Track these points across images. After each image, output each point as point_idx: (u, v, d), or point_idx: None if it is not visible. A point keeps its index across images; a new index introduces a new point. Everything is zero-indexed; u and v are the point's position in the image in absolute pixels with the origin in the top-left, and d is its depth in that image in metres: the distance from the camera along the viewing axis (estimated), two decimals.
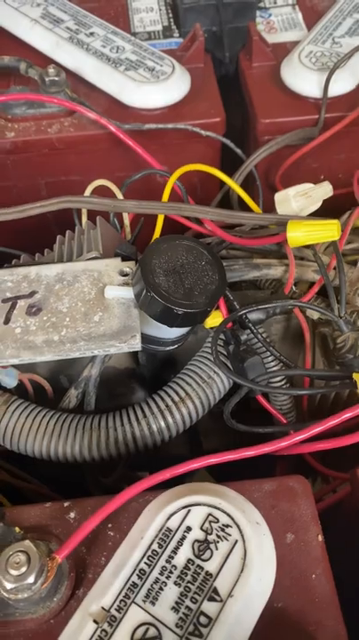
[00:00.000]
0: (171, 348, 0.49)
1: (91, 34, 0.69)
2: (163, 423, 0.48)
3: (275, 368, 0.50)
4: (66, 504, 0.40)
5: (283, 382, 0.50)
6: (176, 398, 0.49)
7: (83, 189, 0.60)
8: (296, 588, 0.36)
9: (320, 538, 0.37)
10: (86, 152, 0.67)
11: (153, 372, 0.58)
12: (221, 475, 0.45)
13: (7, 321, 0.42)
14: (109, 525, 0.38)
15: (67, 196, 0.52)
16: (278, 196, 0.54)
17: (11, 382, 0.48)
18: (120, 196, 0.56)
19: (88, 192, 0.58)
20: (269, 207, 0.63)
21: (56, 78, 0.63)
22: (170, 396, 0.49)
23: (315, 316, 0.50)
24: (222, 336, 0.48)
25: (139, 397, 0.61)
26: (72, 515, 0.40)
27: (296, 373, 0.48)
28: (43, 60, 0.69)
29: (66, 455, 0.48)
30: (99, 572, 0.36)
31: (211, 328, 0.50)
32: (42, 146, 0.66)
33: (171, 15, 0.76)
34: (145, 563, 0.34)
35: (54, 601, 0.35)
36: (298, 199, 0.53)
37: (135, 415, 0.49)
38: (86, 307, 0.43)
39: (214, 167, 0.60)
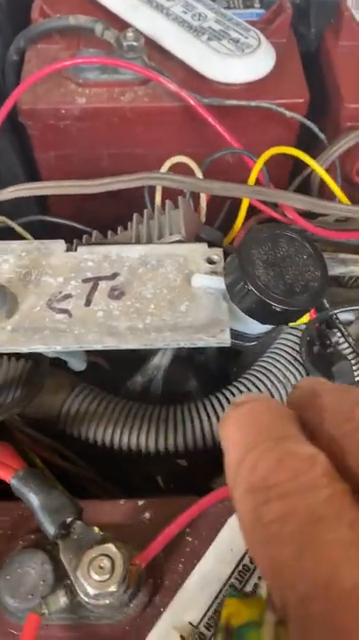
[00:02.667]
0: (251, 344, 0.46)
1: None
2: None
3: (358, 373, 0.47)
4: (140, 503, 0.38)
5: None
6: None
7: (146, 163, 0.57)
8: None
9: None
10: (158, 124, 0.63)
11: (218, 364, 0.56)
12: None
13: (88, 303, 0.40)
14: (187, 530, 0.36)
15: (149, 171, 0.49)
16: None
17: (79, 366, 0.46)
18: (200, 175, 0.53)
19: (165, 168, 0.54)
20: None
21: (134, 43, 0.59)
22: (242, 392, 0.47)
23: None
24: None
25: (193, 386, 0.58)
26: (147, 515, 0.37)
27: None
28: (117, 23, 0.65)
29: (130, 445, 0.46)
30: (176, 580, 0.34)
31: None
32: (112, 114, 0.62)
33: None
34: (236, 579, 0.31)
35: (131, 607, 0.33)
36: None
37: (205, 410, 0.46)
38: (172, 294, 0.40)
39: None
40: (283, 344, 0.49)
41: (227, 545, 0.33)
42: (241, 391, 0.47)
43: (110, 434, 0.46)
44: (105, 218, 0.57)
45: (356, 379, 0.45)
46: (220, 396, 0.47)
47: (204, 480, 0.56)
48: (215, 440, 0.46)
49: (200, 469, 0.60)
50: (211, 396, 0.48)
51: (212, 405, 0.47)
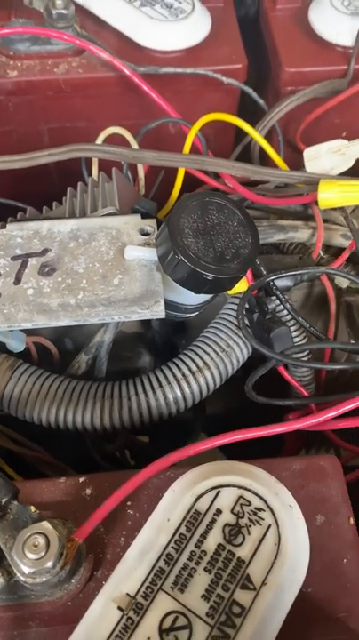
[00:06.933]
0: (191, 315, 0.46)
1: None
2: (179, 393, 0.45)
3: (298, 338, 0.47)
4: (81, 479, 0.38)
5: (307, 354, 0.47)
6: (193, 368, 0.46)
7: (88, 137, 0.55)
8: (326, 573, 0.34)
9: (352, 521, 0.35)
10: (95, 96, 0.62)
11: (164, 337, 0.55)
12: (224, 449, 0.42)
13: (18, 281, 0.39)
14: (128, 503, 0.36)
15: (78, 143, 0.48)
16: (308, 152, 0.50)
17: (18, 346, 0.45)
18: (135, 145, 0.52)
19: (100, 140, 0.53)
20: (289, 165, 0.59)
21: (64, 11, 0.57)
22: (187, 365, 0.46)
23: (344, 284, 0.47)
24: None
25: (145, 362, 0.58)
26: (88, 491, 0.37)
27: (332, 346, 0.45)
28: None
29: (75, 424, 0.45)
30: (119, 553, 0.34)
31: (233, 294, 0.47)
32: (47, 87, 0.60)
33: None
34: (172, 547, 0.32)
35: (72, 583, 0.33)
36: (330, 156, 0.49)
37: (150, 384, 0.46)
38: (104, 268, 0.40)
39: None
40: (226, 314, 0.48)
41: (164, 515, 0.33)
42: (185, 363, 0.47)
43: (54, 413, 0.45)
44: (47, 195, 0.56)
45: (297, 343, 0.45)
46: (165, 369, 0.47)
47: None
48: (162, 413, 0.46)
49: (161, 444, 0.60)
50: (156, 370, 0.48)
51: (157, 379, 0.47)
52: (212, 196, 0.38)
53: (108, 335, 0.47)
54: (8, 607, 0.33)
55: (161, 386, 0.46)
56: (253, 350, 0.46)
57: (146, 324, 0.54)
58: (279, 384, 0.50)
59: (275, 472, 0.37)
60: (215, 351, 0.47)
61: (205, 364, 0.46)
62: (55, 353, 0.50)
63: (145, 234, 0.42)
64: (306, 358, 0.48)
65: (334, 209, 0.49)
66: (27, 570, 0.30)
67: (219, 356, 0.46)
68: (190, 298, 0.42)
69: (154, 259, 0.40)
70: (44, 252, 0.40)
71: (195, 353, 0.47)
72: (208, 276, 0.37)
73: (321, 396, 0.47)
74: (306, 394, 0.47)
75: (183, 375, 0.46)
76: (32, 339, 0.48)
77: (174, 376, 0.46)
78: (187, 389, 0.45)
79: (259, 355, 0.47)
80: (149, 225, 0.42)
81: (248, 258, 0.37)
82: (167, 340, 0.56)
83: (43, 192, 0.58)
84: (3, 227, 0.42)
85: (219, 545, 0.32)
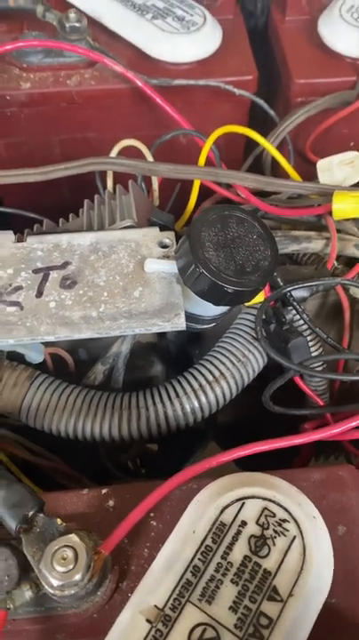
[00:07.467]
0: (209, 326, 0.46)
1: None
2: (196, 403, 0.46)
3: (314, 348, 0.47)
4: (104, 491, 0.38)
5: (322, 364, 0.48)
6: (210, 378, 0.46)
7: (100, 148, 0.56)
8: (350, 583, 0.34)
9: None
10: (107, 108, 0.62)
11: (179, 347, 0.56)
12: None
13: (40, 294, 0.39)
14: (151, 515, 0.36)
15: (95, 157, 0.48)
16: (321, 164, 0.50)
17: (37, 358, 0.45)
18: (150, 157, 0.52)
19: (114, 152, 0.53)
20: (299, 175, 0.60)
21: (77, 24, 0.58)
22: (204, 375, 0.47)
23: (358, 294, 0.48)
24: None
25: (158, 371, 0.58)
26: (111, 503, 0.37)
27: (349, 357, 0.45)
28: (59, 4, 0.64)
29: (94, 434, 0.46)
30: (143, 565, 0.35)
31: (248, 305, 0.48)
32: (59, 99, 0.61)
33: None
34: (199, 559, 0.32)
35: (98, 595, 0.33)
36: (342, 168, 0.50)
37: (168, 394, 0.46)
38: (125, 281, 0.40)
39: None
40: (241, 324, 0.49)
41: (190, 527, 0.33)
42: (201, 373, 0.47)
43: (72, 424, 0.46)
44: (59, 206, 0.56)
45: (313, 353, 0.46)
46: (181, 379, 0.47)
47: (176, 463, 0.56)
48: (179, 423, 0.47)
49: (171, 453, 0.60)
50: (173, 380, 0.48)
51: (174, 389, 0.47)
52: (232, 209, 0.39)
53: (126, 346, 0.48)
54: (35, 619, 0.33)
55: (178, 396, 0.46)
56: (267, 359, 0.46)
57: (161, 334, 0.54)
58: (293, 393, 0.51)
59: (296, 483, 0.37)
60: (231, 361, 0.47)
61: (221, 373, 0.47)
62: (71, 364, 0.50)
63: (164, 246, 0.42)
64: (320, 368, 0.48)
65: (347, 219, 0.50)
66: (55, 583, 0.30)
67: (236, 365, 0.47)
68: (209, 310, 0.43)
69: (174, 271, 0.40)
70: (65, 264, 0.41)
71: (211, 363, 0.47)
72: (229, 289, 0.37)
73: (336, 406, 0.48)
74: (321, 403, 0.48)
75: (200, 385, 0.46)
76: (49, 349, 0.48)
77: (191, 386, 0.46)
78: (203, 399, 0.46)
79: (272, 364, 0.47)
80: (168, 237, 0.42)
81: (268, 270, 0.38)
82: (181, 349, 0.56)
83: (54, 203, 0.59)
84: (22, 239, 0.42)
85: (246, 556, 0.32)
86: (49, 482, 0.50)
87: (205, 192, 0.54)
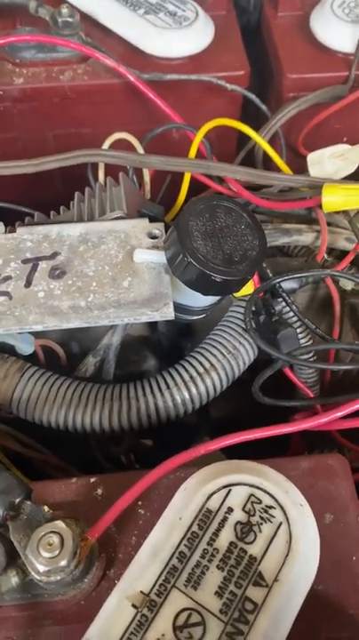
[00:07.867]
0: (198, 317, 0.47)
1: None
2: (187, 395, 0.46)
3: (303, 340, 0.47)
4: (92, 480, 0.38)
5: (312, 355, 0.48)
6: (200, 369, 0.46)
7: (93, 143, 0.56)
8: (336, 570, 0.34)
9: None
10: (100, 103, 0.62)
11: (170, 339, 0.56)
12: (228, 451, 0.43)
13: (29, 284, 0.39)
14: (139, 503, 0.36)
15: (86, 149, 0.48)
16: (312, 157, 0.50)
17: (27, 349, 0.45)
18: (141, 150, 0.52)
19: (106, 145, 0.54)
20: (291, 169, 0.60)
21: (69, 19, 0.58)
22: (194, 367, 0.47)
23: (348, 286, 0.48)
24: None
25: (151, 365, 0.59)
26: (99, 491, 0.37)
27: (337, 347, 0.46)
28: (52, 0, 0.64)
29: (84, 426, 0.46)
30: (130, 552, 0.35)
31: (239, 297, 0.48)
32: (52, 94, 0.61)
33: None
34: (185, 545, 0.32)
35: (85, 582, 0.33)
36: (333, 161, 0.50)
37: (158, 386, 0.46)
38: (114, 271, 0.40)
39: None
40: (232, 316, 0.49)
41: (177, 514, 0.33)
42: (192, 365, 0.47)
43: (63, 416, 0.46)
44: (52, 200, 0.56)
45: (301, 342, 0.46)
46: (172, 371, 0.48)
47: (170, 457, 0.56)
48: (170, 415, 0.47)
49: (165, 448, 0.60)
50: (164, 372, 0.48)
51: (165, 380, 0.47)
52: (220, 199, 0.39)
53: (116, 337, 0.48)
54: (22, 606, 0.33)
55: (168, 387, 0.46)
56: (259, 352, 0.47)
57: (152, 326, 0.55)
58: (284, 386, 0.51)
59: (284, 471, 0.37)
60: (222, 353, 0.47)
61: (212, 365, 0.47)
62: (62, 356, 0.50)
63: (153, 237, 0.42)
64: (311, 359, 0.48)
65: (337, 212, 0.50)
66: (41, 568, 0.31)
67: (226, 357, 0.47)
68: (198, 300, 0.43)
69: (162, 261, 0.40)
70: (54, 255, 0.41)
71: (202, 355, 0.48)
72: (217, 278, 0.37)
73: (326, 397, 0.48)
74: (311, 395, 0.48)
75: (190, 377, 0.46)
76: (40, 342, 0.48)
77: (182, 378, 0.46)
78: (194, 391, 0.46)
79: (263, 356, 0.47)
80: (157, 228, 0.42)
81: (256, 260, 0.38)
82: (173, 342, 0.56)
83: (46, 197, 0.59)
84: (13, 231, 0.43)
85: (231, 543, 0.32)
86: (40, 474, 0.51)
87: (196, 185, 0.54)
